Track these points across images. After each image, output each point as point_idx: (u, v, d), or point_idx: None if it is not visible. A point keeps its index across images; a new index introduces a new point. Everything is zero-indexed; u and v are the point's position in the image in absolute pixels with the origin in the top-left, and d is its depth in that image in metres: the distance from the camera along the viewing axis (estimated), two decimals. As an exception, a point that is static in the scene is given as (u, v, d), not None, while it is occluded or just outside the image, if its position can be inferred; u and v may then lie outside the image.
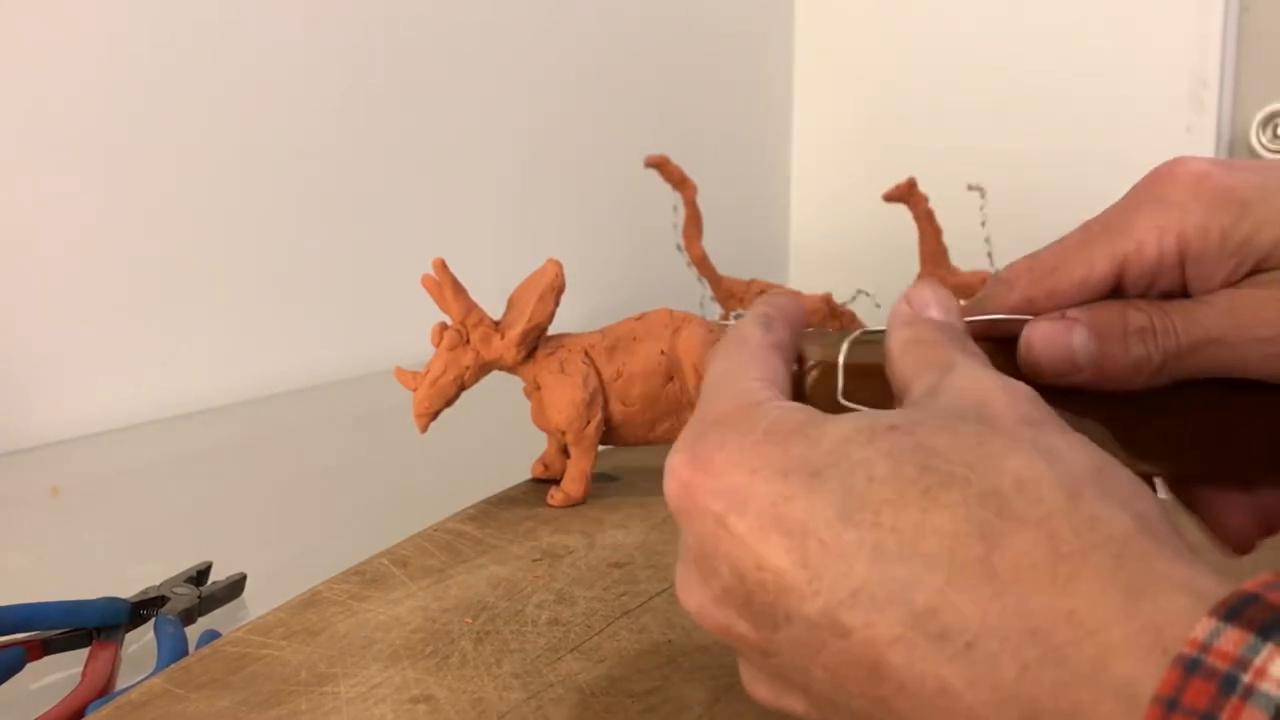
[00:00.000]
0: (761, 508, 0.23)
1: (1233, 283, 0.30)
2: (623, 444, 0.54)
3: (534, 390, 0.53)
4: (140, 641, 0.46)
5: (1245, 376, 0.30)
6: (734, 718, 0.33)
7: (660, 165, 0.87)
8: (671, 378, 0.53)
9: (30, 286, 0.76)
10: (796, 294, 0.29)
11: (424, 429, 0.51)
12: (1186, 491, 0.32)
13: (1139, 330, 0.29)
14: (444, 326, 0.51)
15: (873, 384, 0.30)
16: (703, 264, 0.88)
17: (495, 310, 0.53)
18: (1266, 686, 0.18)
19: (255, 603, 0.49)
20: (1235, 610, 0.19)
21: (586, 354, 0.52)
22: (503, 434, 0.68)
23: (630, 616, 0.40)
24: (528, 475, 0.56)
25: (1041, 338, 0.30)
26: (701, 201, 0.88)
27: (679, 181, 0.87)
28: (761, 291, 0.85)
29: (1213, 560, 0.23)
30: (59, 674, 0.43)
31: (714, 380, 0.28)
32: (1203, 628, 0.19)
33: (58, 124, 0.77)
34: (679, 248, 0.88)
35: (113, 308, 0.81)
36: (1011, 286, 0.31)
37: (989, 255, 0.92)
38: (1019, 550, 0.21)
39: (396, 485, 0.68)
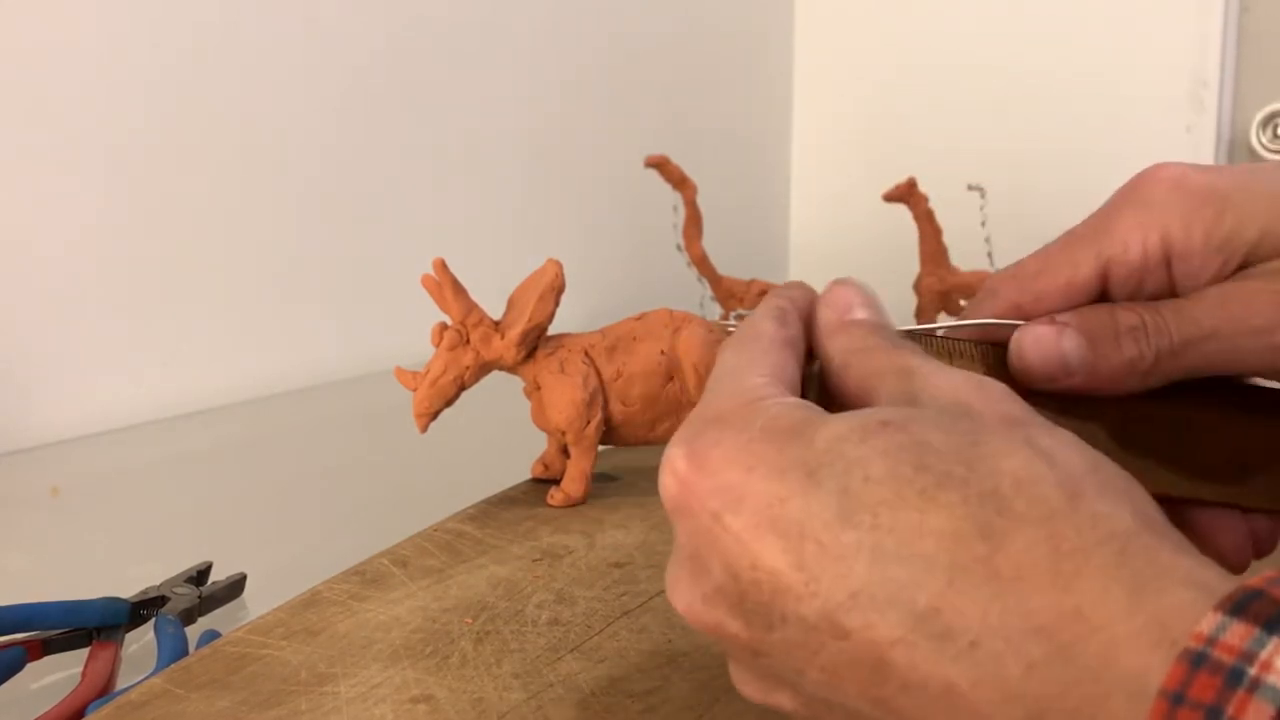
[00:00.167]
0: (757, 507, 0.23)
1: (1222, 279, 0.29)
2: (623, 444, 0.54)
3: (534, 390, 0.53)
4: (140, 641, 0.46)
5: (1241, 372, 0.30)
6: (734, 718, 0.33)
7: (660, 165, 0.87)
8: (671, 378, 0.53)
9: (30, 286, 0.76)
10: (809, 288, 0.29)
11: (424, 429, 0.51)
12: (1176, 512, 0.32)
13: (1130, 329, 0.29)
14: (444, 326, 0.51)
15: None
16: (703, 264, 0.88)
17: (495, 310, 0.53)
18: (1273, 679, 0.18)
19: (255, 603, 0.49)
20: (1241, 605, 0.19)
21: (586, 354, 0.52)
22: (503, 434, 0.68)
23: (630, 616, 0.40)
24: (528, 475, 0.56)
25: (1032, 341, 0.29)
26: (701, 201, 0.88)
27: (679, 181, 0.87)
28: (762, 292, 0.85)
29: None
30: (59, 674, 0.43)
31: (720, 375, 0.27)
32: (1208, 622, 0.19)
33: (58, 124, 0.77)
34: (679, 248, 0.89)
35: (113, 308, 0.81)
36: (997, 294, 0.31)
37: (989, 255, 0.92)
38: (1021, 549, 0.21)
39: (396, 485, 0.68)
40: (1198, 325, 0.29)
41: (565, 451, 0.54)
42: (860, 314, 0.29)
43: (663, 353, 0.52)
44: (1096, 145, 1.24)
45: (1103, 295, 0.30)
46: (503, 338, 0.51)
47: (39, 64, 0.75)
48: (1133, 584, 0.20)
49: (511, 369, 0.52)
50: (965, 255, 0.94)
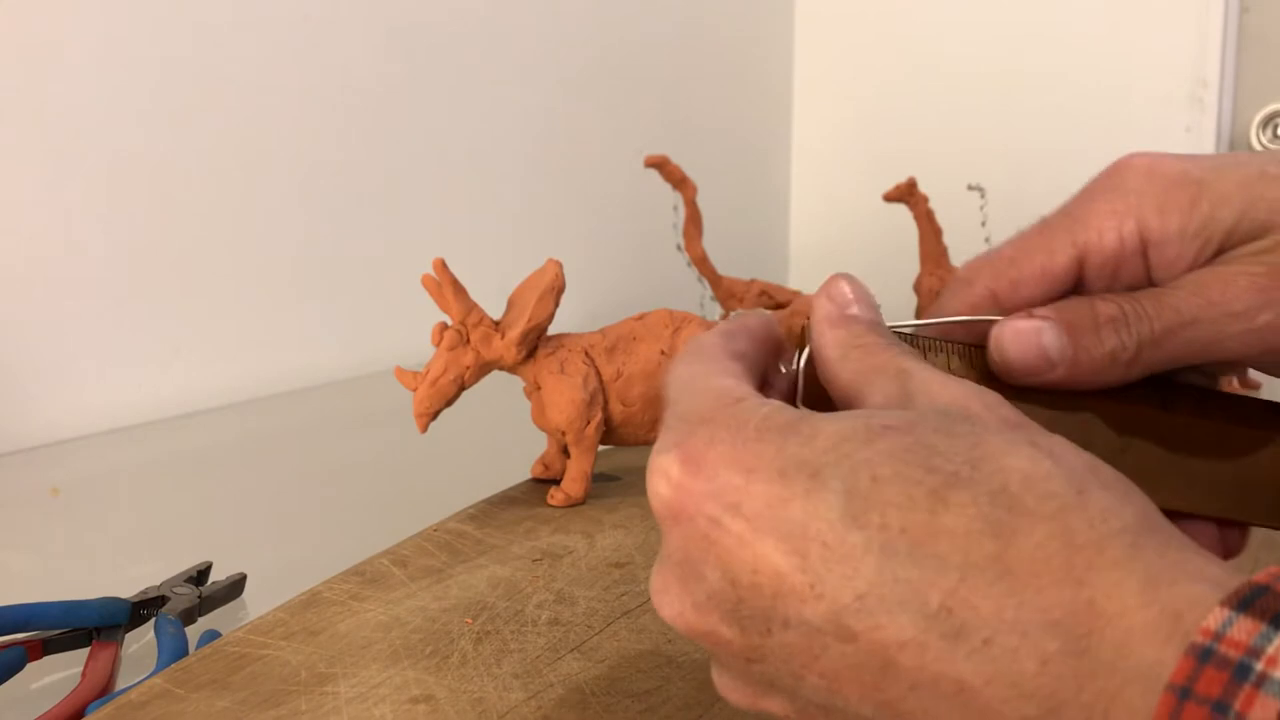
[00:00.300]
0: (758, 509, 0.22)
1: (1199, 266, 0.29)
2: (623, 444, 0.54)
3: (534, 390, 0.53)
4: (140, 641, 0.46)
5: (1224, 359, 0.29)
6: (734, 718, 0.33)
7: (660, 165, 0.87)
8: (671, 378, 0.52)
9: (30, 286, 0.76)
10: (764, 314, 0.28)
11: (424, 429, 0.51)
12: None
13: (1110, 320, 0.29)
14: (444, 326, 0.51)
15: None
16: (703, 264, 0.88)
17: (495, 310, 0.53)
18: (1279, 674, 0.18)
19: (255, 603, 0.49)
20: (1247, 600, 0.19)
21: (586, 354, 0.52)
22: (503, 434, 0.68)
23: (630, 616, 0.40)
24: (528, 475, 0.56)
25: (1012, 336, 0.29)
26: (701, 202, 0.88)
27: (679, 182, 0.87)
28: (762, 292, 0.85)
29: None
30: (59, 674, 0.43)
31: (683, 382, 0.26)
32: (1215, 617, 0.19)
33: (58, 124, 0.77)
34: (679, 248, 0.88)
35: (113, 308, 0.81)
36: (972, 282, 0.31)
37: (989, 255, 0.91)
38: (1033, 545, 0.21)
39: (396, 485, 0.68)
40: (1177, 313, 0.28)
41: (565, 451, 0.54)
42: (858, 310, 0.28)
43: (663, 353, 0.53)
44: (1096, 145, 1.23)
45: (1078, 284, 0.30)
46: (503, 338, 0.51)
47: (41, 64, 0.75)
48: (1146, 576, 0.20)
49: (511, 369, 0.52)
50: (965, 255, 0.93)
